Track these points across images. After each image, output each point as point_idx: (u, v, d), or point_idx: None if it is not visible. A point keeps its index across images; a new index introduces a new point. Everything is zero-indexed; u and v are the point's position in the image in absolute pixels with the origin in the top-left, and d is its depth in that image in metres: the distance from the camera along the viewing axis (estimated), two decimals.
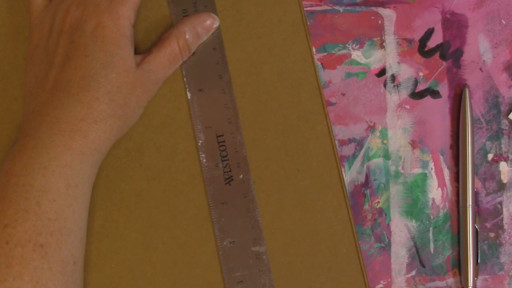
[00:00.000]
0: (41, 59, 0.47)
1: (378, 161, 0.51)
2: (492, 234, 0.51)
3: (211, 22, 0.49)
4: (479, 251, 0.50)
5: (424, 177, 0.51)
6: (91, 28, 0.46)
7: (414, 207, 0.51)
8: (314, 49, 0.51)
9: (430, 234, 0.51)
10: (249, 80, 0.50)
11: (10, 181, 0.42)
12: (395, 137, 0.51)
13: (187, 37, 0.48)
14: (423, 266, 0.50)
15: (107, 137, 0.45)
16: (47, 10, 0.48)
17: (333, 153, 0.49)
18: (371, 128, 0.51)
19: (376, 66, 0.52)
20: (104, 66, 0.45)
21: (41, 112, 0.44)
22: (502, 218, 0.51)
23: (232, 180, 0.48)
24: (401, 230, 0.51)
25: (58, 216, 0.42)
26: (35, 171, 0.42)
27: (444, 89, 0.52)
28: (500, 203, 0.51)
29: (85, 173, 0.44)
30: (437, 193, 0.51)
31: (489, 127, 0.51)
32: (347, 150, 0.51)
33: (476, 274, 0.50)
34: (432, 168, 0.51)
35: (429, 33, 0.52)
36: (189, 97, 0.49)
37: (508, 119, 0.51)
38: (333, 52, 0.52)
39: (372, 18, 0.52)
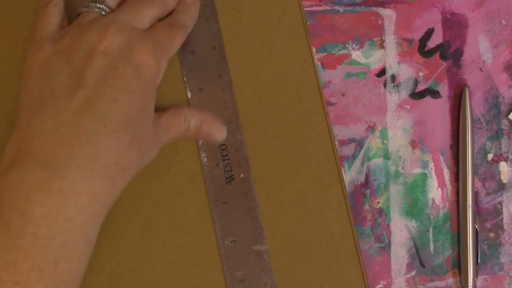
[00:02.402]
0: (60, 70, 0.41)
1: (378, 161, 0.51)
2: (492, 234, 0.51)
3: (218, 135, 0.46)
4: (479, 251, 0.50)
5: (424, 177, 0.51)
6: (136, 63, 0.41)
7: (414, 207, 0.51)
8: (314, 49, 0.51)
9: (430, 234, 0.51)
10: (249, 80, 0.50)
11: (28, 228, 0.36)
12: (395, 137, 0.51)
13: (191, 123, 0.45)
14: (423, 266, 0.50)
15: (122, 189, 0.40)
16: (71, 27, 0.44)
17: (333, 153, 0.49)
18: (371, 128, 0.51)
19: (376, 66, 0.52)
20: (142, 110, 0.41)
21: (68, 139, 0.38)
22: (502, 218, 0.51)
23: (233, 179, 0.48)
24: (401, 230, 0.51)
25: (70, 277, 0.38)
26: (59, 223, 0.37)
27: (444, 89, 0.52)
28: (500, 203, 0.51)
29: (99, 226, 0.40)
30: (437, 193, 0.51)
31: (489, 127, 0.51)
32: (347, 150, 0.51)
33: (476, 274, 0.50)
34: (432, 168, 0.51)
35: (429, 33, 0.52)
36: (189, 97, 0.49)
37: (508, 119, 0.51)
38: (333, 52, 0.52)
39: (372, 18, 0.52)
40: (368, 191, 0.51)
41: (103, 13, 0.44)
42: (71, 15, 0.47)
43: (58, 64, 0.41)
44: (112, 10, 0.45)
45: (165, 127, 0.44)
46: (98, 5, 0.44)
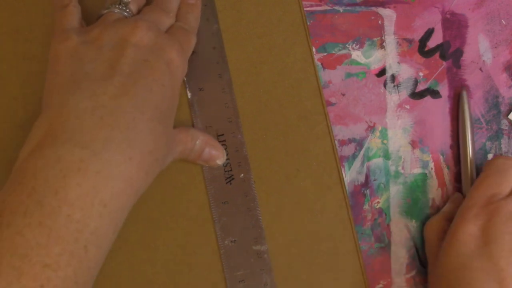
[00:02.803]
0: (91, 57, 0.40)
1: (378, 161, 0.51)
2: None
3: (219, 160, 0.47)
4: None
5: (424, 177, 0.51)
6: (167, 60, 0.42)
7: (414, 207, 0.51)
8: (314, 49, 0.51)
9: None
10: (249, 80, 0.50)
11: (62, 209, 0.35)
12: (395, 137, 0.51)
13: (197, 142, 0.46)
14: (423, 266, 0.50)
15: (151, 182, 0.40)
16: (97, 24, 0.44)
17: (333, 153, 0.49)
18: (371, 128, 0.51)
19: (376, 66, 0.52)
20: (170, 107, 0.41)
21: (107, 120, 0.37)
22: None
23: (233, 179, 0.48)
24: (401, 230, 0.51)
25: (96, 265, 0.37)
26: (95, 208, 0.36)
27: (444, 89, 0.52)
28: None
29: (126, 216, 0.39)
30: (437, 193, 0.51)
31: (489, 127, 0.51)
32: (347, 150, 0.51)
33: None
34: (432, 168, 0.51)
35: (429, 33, 0.52)
36: (189, 97, 0.49)
37: (508, 119, 0.51)
38: (333, 52, 0.52)
39: (372, 18, 0.52)
40: (368, 191, 0.51)
41: (125, 14, 0.45)
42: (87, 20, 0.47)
43: (89, 52, 0.41)
44: (133, 15, 0.45)
45: (175, 141, 0.45)
46: (120, 7, 0.45)
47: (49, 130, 0.38)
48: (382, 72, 0.52)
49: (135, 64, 0.40)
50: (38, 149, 0.37)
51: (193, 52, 0.49)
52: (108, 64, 0.40)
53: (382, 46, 0.52)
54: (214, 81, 0.49)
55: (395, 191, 0.51)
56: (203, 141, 0.47)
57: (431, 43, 0.52)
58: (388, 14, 0.52)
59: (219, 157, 0.47)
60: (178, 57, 0.42)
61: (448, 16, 0.52)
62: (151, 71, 0.40)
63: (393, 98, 0.51)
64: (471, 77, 0.52)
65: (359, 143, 0.51)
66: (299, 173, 0.49)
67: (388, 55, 0.52)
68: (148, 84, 0.40)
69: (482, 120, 0.51)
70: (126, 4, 0.45)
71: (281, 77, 0.50)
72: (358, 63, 0.52)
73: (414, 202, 0.51)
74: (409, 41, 0.52)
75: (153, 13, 0.45)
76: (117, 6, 0.45)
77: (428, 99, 0.52)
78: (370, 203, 0.51)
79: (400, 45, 0.52)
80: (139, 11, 0.46)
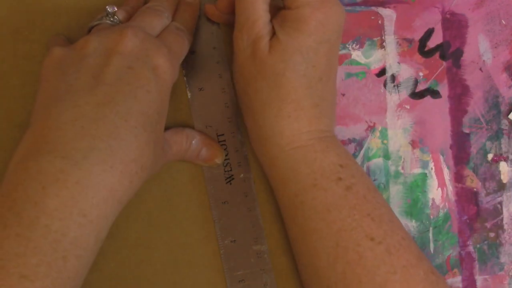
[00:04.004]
0: (75, 68, 0.40)
1: (378, 161, 0.51)
2: (492, 234, 0.51)
3: (217, 159, 0.48)
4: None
5: (424, 177, 0.51)
6: (153, 66, 0.41)
7: (414, 207, 0.51)
8: None
9: (430, 234, 0.51)
10: None
11: (40, 220, 0.35)
12: (395, 137, 0.51)
13: (193, 142, 0.47)
14: None
15: (137, 189, 0.40)
16: (92, 34, 0.44)
17: None
18: (371, 128, 0.51)
19: (376, 66, 0.52)
20: (158, 112, 0.41)
21: (88, 130, 0.37)
22: (502, 218, 0.51)
23: (233, 179, 0.48)
24: None
25: (76, 275, 0.36)
26: (73, 218, 0.36)
27: (444, 89, 0.52)
28: (500, 203, 0.51)
29: (111, 224, 0.39)
30: (437, 193, 0.51)
31: (489, 127, 0.51)
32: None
33: None
34: (432, 168, 0.51)
35: (429, 33, 0.52)
36: (189, 96, 0.49)
37: (508, 119, 0.51)
38: None
39: (372, 18, 0.52)
40: None
41: (114, 23, 0.45)
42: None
43: (72, 63, 0.41)
44: (122, 23, 0.45)
45: (169, 143, 0.45)
46: (110, 19, 0.45)
47: (33, 144, 0.38)
48: (382, 72, 0.52)
49: (119, 72, 0.40)
50: (21, 163, 0.37)
51: (193, 52, 0.49)
52: (92, 74, 0.40)
53: (382, 46, 0.52)
54: (214, 81, 0.49)
55: (395, 191, 0.51)
56: (200, 140, 0.47)
57: (431, 43, 0.52)
58: (388, 14, 0.52)
59: (217, 156, 0.48)
60: (165, 62, 0.42)
61: (448, 16, 0.52)
62: (136, 78, 0.40)
63: (393, 98, 0.51)
64: (471, 77, 0.52)
65: (359, 143, 0.51)
66: None
67: (388, 55, 0.52)
68: (132, 91, 0.39)
69: (482, 120, 0.51)
70: (113, 15, 0.45)
71: None
72: (358, 63, 0.51)
73: (414, 202, 0.51)
74: (409, 41, 0.52)
75: (144, 17, 0.44)
76: (104, 18, 0.45)
77: (428, 99, 0.52)
78: None
79: (400, 45, 0.52)
80: (129, 17, 0.46)
